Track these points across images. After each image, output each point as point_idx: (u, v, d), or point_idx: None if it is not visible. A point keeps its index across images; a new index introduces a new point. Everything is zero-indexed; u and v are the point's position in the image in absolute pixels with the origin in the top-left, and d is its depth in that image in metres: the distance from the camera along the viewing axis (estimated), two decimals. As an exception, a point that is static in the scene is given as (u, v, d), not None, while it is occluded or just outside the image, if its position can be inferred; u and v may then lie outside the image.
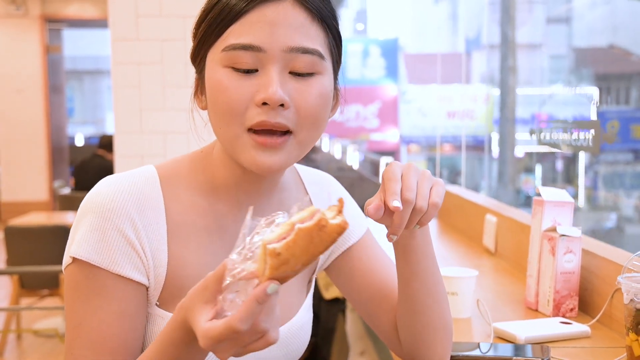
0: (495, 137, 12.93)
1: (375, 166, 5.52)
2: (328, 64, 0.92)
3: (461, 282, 1.53)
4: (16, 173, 8.13)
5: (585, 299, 1.57)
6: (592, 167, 13.22)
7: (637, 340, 1.15)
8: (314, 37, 0.89)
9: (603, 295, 1.49)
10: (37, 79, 8.26)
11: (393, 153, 13.45)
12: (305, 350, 2.51)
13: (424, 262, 1.00)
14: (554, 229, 1.54)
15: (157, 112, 2.72)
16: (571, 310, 1.54)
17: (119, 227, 0.88)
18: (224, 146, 0.92)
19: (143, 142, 2.73)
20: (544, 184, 12.93)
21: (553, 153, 11.80)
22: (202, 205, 0.96)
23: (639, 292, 1.13)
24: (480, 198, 2.58)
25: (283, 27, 0.87)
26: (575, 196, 12.33)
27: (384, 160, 4.47)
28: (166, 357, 0.80)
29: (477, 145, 13.20)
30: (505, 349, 1.30)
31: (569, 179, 13.06)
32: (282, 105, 0.86)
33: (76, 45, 11.39)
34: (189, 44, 1.00)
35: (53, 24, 8.49)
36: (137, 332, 0.90)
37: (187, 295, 0.76)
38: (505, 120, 10.70)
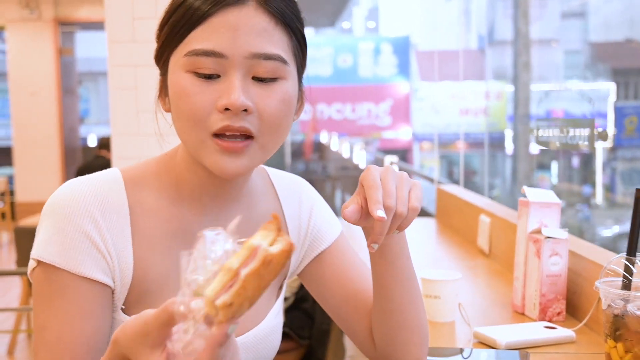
0: (509, 134, 12.83)
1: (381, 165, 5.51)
2: (292, 68, 0.91)
3: (444, 286, 1.50)
4: (30, 174, 8.21)
5: (573, 303, 1.54)
6: (609, 164, 13.06)
7: (615, 347, 1.12)
8: (276, 42, 0.89)
9: (591, 299, 1.46)
10: (50, 81, 8.33)
11: (405, 151, 13.41)
12: (300, 352, 2.48)
13: (400, 262, 0.99)
14: (539, 231, 1.52)
15: (153, 114, 2.71)
16: (558, 314, 1.51)
17: (82, 228, 0.88)
18: (189, 150, 0.92)
19: (140, 143, 2.73)
20: (560, 181, 12.81)
21: (569, 150, 11.67)
22: (167, 209, 0.95)
23: (616, 297, 1.10)
24: (476, 198, 2.55)
25: (245, 32, 0.87)
26: (592, 194, 12.19)
27: (387, 160, 4.43)
28: None
29: (491, 143, 13.12)
30: (485, 355, 1.28)
31: (586, 176, 12.92)
32: (245, 110, 0.86)
33: (91, 47, 11.47)
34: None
35: (65, 27, 8.55)
36: (102, 334, 0.89)
37: (122, 333, 0.71)
38: (519, 116, 10.61)
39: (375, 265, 0.99)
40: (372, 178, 0.87)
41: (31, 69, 8.28)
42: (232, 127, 0.86)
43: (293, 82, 0.92)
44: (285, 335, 2.52)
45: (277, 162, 5.21)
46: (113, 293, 0.91)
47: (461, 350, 1.34)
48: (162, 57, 0.92)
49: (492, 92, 13.78)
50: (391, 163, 4.42)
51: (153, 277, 0.93)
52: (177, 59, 0.89)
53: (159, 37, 0.93)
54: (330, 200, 6.64)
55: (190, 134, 0.88)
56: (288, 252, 0.66)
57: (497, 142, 13.35)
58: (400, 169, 4.83)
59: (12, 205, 8.15)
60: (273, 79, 0.89)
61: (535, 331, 1.39)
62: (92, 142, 10.36)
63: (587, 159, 12.68)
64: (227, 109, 0.86)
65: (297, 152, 10.05)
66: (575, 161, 13.20)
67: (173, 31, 0.89)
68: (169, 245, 0.95)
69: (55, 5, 8.31)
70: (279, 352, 2.55)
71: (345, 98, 14.11)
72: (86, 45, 10.47)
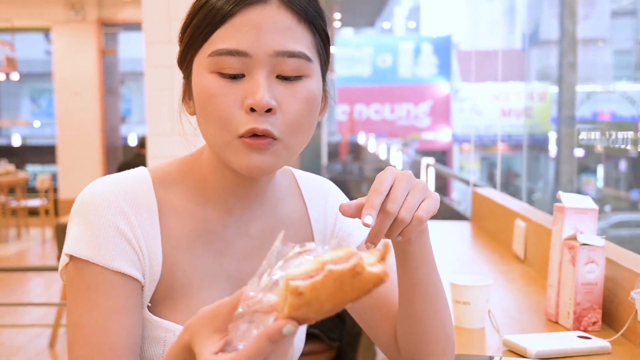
0: (553, 136, 12.57)
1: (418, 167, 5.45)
2: (315, 66, 0.90)
3: (474, 291, 1.47)
4: (72, 172, 8.39)
5: (610, 312, 1.48)
6: (661, 168, 12.66)
7: (650, 359, 1.07)
8: (300, 40, 0.88)
9: (629, 309, 1.41)
10: (93, 81, 8.49)
11: (445, 152, 13.27)
12: (330, 355, 2.46)
13: (423, 269, 0.96)
14: (574, 238, 1.47)
15: (179, 116, 2.74)
16: (594, 323, 1.46)
17: (113, 222, 0.88)
18: (215, 151, 0.92)
19: (175, 144, 2.75)
20: (606, 185, 12.48)
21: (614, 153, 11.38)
22: (192, 209, 0.96)
23: (652, 308, 1.06)
24: (512, 202, 2.49)
25: (268, 30, 0.86)
26: (641, 199, 11.83)
27: (425, 161, 4.38)
28: None
29: (534, 145, 12.88)
30: (515, 364, 1.25)
31: (634, 180, 12.56)
32: (269, 110, 0.85)
33: (134, 47, 11.68)
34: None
35: (109, 27, 8.71)
36: (137, 329, 0.89)
37: (196, 317, 0.72)
38: (563, 118, 10.39)
39: (398, 272, 0.97)
40: (381, 181, 0.84)
41: (75, 69, 8.47)
42: (257, 130, 0.86)
43: (317, 80, 0.91)
44: (315, 337, 2.50)
45: (313, 163, 5.20)
46: (142, 289, 0.91)
47: (490, 359, 1.31)
48: (186, 60, 0.92)
49: (536, 92, 13.53)
50: (428, 165, 4.37)
51: (178, 276, 0.93)
52: (201, 60, 0.88)
53: (181, 39, 0.92)
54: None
55: (217, 136, 0.88)
56: (380, 280, 0.61)
57: (540, 145, 13.10)
58: (437, 172, 4.77)
59: (55, 202, 8.34)
60: (297, 77, 0.88)
61: (568, 341, 1.35)
62: (133, 141, 10.53)
63: (636, 163, 12.34)
64: (252, 109, 0.85)
65: (334, 152, 10.04)
66: (623, 165, 12.86)
67: (196, 33, 0.89)
68: (194, 245, 0.95)
69: (99, 7, 8.48)
70: (309, 354, 2.54)
71: (384, 98, 14.03)
72: (129, 46, 10.65)
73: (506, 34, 15.20)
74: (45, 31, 9.73)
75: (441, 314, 1.00)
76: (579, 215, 1.49)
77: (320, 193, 1.09)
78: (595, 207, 1.48)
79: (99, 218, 0.88)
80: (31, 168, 10.85)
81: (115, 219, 0.88)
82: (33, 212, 8.08)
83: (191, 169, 0.97)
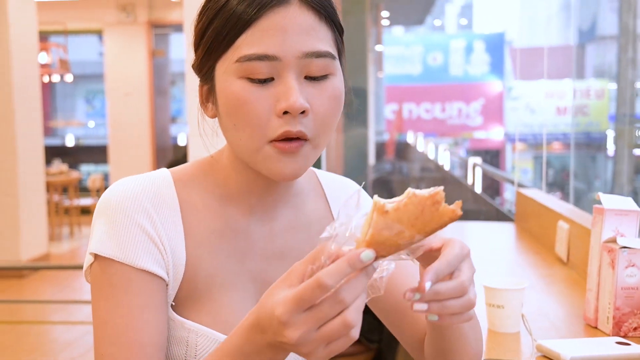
0: (610, 134, 12.19)
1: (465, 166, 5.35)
2: (338, 63, 0.90)
3: (507, 295, 1.42)
4: (123, 171, 8.56)
5: (653, 318, 1.41)
6: None
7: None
8: (323, 38, 0.88)
9: (673, 315, 1.34)
10: (143, 82, 8.67)
11: (497, 152, 13.03)
12: (369, 356, 2.43)
13: None
14: (614, 240, 1.40)
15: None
16: (635, 329, 1.39)
17: (137, 221, 0.88)
18: (242, 156, 0.91)
19: (216, 145, 2.76)
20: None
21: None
22: (215, 208, 0.96)
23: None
24: (556, 203, 2.41)
25: (295, 32, 0.85)
26: None
27: (471, 161, 4.30)
28: None
29: (590, 143, 12.51)
30: (547, 371, 1.20)
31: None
32: (303, 112, 0.86)
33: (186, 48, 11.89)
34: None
35: (159, 29, 8.87)
36: (163, 325, 0.89)
37: (266, 292, 0.73)
38: (623, 116, 10.07)
39: None
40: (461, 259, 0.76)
41: (126, 71, 8.66)
42: (291, 133, 0.85)
43: (341, 77, 0.91)
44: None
45: (359, 162, 5.17)
46: (167, 288, 0.91)
47: (523, 365, 1.26)
48: (206, 65, 0.90)
49: (593, 90, 13.15)
50: (475, 165, 4.28)
51: (202, 275, 0.93)
52: (227, 66, 0.87)
53: (198, 44, 0.91)
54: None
55: (247, 142, 0.87)
56: (455, 214, 0.67)
57: (597, 143, 12.73)
58: (484, 172, 4.63)
59: (108, 201, 8.53)
60: (324, 77, 0.88)
61: (605, 347, 1.29)
62: (183, 141, 10.70)
63: None
64: (286, 113, 0.85)
65: (381, 152, 9.98)
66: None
67: (218, 38, 0.87)
68: (217, 245, 0.95)
69: (150, 9, 8.64)
70: (348, 355, 2.51)
71: (435, 97, 13.87)
72: (181, 47, 10.82)
73: (562, 30, 14.82)
74: (98, 33, 9.97)
75: (470, 342, 0.96)
76: (619, 217, 1.42)
77: (342, 191, 1.09)
78: (637, 208, 1.41)
79: (122, 217, 0.88)
80: (84, 168, 11.14)
81: (138, 218, 0.89)
82: (85, 211, 8.28)
83: (212, 170, 0.97)
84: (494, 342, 1.40)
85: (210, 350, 0.91)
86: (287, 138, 0.86)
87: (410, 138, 10.15)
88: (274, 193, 0.97)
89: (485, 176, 4.50)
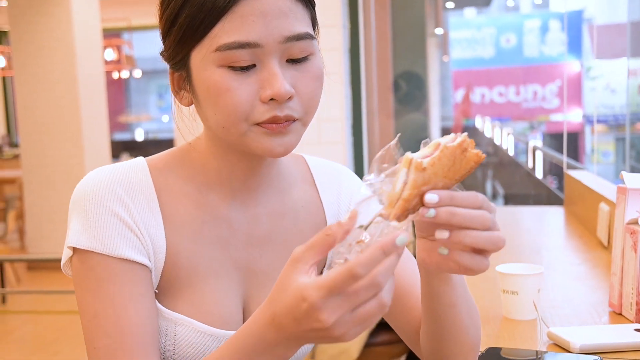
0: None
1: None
2: (316, 41, 0.88)
3: (522, 280, 1.36)
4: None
5: (683, 304, 1.32)
6: None
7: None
8: (302, 19, 0.85)
9: None
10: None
11: (576, 134, 12.51)
12: (405, 345, 2.39)
13: (456, 291, 0.88)
14: (637, 222, 1.32)
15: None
16: (660, 316, 1.31)
17: (111, 209, 0.87)
18: (228, 141, 0.89)
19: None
20: None
21: None
22: (194, 196, 0.94)
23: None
24: (601, 184, 2.29)
25: (274, 16, 0.83)
26: None
27: (532, 144, 4.14)
28: None
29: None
30: (553, 358, 1.14)
31: None
32: (289, 98, 0.84)
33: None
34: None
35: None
36: (154, 312, 0.89)
37: (277, 287, 0.72)
38: None
39: (423, 282, 0.89)
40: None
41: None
42: (279, 118, 0.84)
43: (319, 54, 0.89)
44: (388, 327, 2.44)
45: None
46: (151, 274, 0.90)
47: (537, 354, 1.21)
48: (179, 54, 0.87)
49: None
50: (535, 148, 4.14)
51: (183, 263, 0.92)
52: (204, 54, 0.84)
53: (168, 32, 0.88)
54: (480, 188, 6.37)
55: (231, 128, 0.85)
56: (479, 158, 0.70)
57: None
58: (545, 155, 4.45)
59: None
60: (305, 58, 0.86)
61: (621, 334, 1.22)
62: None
63: None
64: (272, 99, 0.83)
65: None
66: None
67: (191, 26, 0.84)
68: (198, 232, 0.93)
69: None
70: (382, 344, 2.48)
71: (509, 80, 13.44)
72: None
73: (645, 5, 14.02)
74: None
75: (467, 330, 0.92)
76: (643, 196, 1.33)
77: (334, 177, 1.06)
78: (663, 187, 1.32)
79: (96, 207, 0.87)
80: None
81: (111, 205, 0.87)
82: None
83: (190, 157, 0.95)
84: (508, 329, 1.35)
85: (190, 340, 0.90)
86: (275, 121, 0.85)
87: (478, 123, 9.89)
88: (257, 176, 0.94)
89: (549, 159, 4.33)
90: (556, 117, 12.92)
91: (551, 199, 3.72)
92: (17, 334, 4.42)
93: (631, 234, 1.33)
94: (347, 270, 0.65)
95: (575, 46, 13.30)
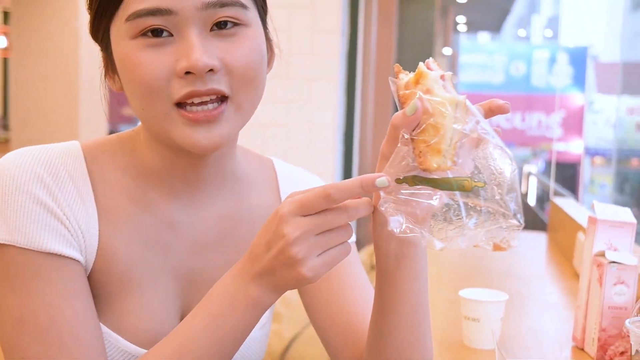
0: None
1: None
2: (253, 13, 0.79)
3: (484, 307, 1.32)
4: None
5: (647, 343, 1.28)
6: None
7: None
8: None
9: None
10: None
11: (575, 165, 12.53)
12: None
13: (413, 284, 0.78)
14: (604, 254, 1.28)
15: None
16: (621, 354, 1.26)
17: (32, 193, 0.75)
18: (151, 129, 0.80)
19: (314, 155, 3.09)
20: None
21: None
22: (132, 189, 0.83)
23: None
24: (581, 213, 2.25)
25: None
26: None
27: (526, 169, 4.12)
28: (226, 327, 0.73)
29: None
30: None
31: None
32: (210, 70, 0.74)
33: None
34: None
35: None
36: (94, 311, 0.78)
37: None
38: None
39: (382, 284, 0.79)
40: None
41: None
42: (199, 92, 0.74)
43: (258, 28, 0.79)
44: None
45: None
46: (85, 270, 0.80)
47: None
48: (100, 30, 0.80)
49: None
50: (529, 174, 4.11)
51: (116, 266, 0.81)
52: (118, 27, 0.76)
53: (90, 7, 0.80)
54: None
55: (149, 109, 0.75)
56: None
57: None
58: (539, 181, 4.39)
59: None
60: (234, 28, 0.76)
61: (577, 371, 1.17)
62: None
63: None
64: (188, 73, 0.73)
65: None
66: None
67: None
68: (135, 233, 0.82)
69: None
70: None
71: (516, 107, 13.41)
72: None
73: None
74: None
75: (425, 343, 0.83)
76: (613, 229, 1.30)
77: (301, 186, 0.91)
78: (633, 220, 1.29)
79: (13, 190, 0.75)
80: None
81: (32, 188, 0.75)
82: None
83: (129, 146, 0.85)
84: (465, 358, 1.30)
85: (112, 356, 0.80)
86: (202, 103, 0.75)
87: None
88: (199, 174, 0.84)
89: (542, 186, 4.29)
90: (558, 146, 12.92)
91: (537, 225, 3.68)
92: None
93: (597, 266, 1.28)
94: (321, 189, 0.66)
95: (579, 79, 13.34)
